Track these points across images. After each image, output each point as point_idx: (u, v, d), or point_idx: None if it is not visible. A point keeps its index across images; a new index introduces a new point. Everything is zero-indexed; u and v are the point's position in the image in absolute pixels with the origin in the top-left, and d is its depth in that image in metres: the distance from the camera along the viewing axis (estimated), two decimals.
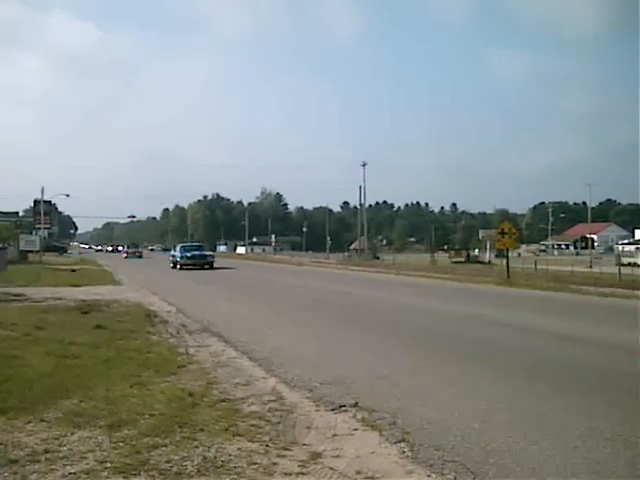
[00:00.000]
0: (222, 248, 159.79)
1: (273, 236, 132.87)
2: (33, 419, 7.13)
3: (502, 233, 35.61)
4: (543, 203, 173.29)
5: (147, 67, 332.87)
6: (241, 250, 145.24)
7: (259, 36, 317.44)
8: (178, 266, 51.06)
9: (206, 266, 51.44)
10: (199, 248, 57.88)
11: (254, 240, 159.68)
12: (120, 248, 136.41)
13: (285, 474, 5.70)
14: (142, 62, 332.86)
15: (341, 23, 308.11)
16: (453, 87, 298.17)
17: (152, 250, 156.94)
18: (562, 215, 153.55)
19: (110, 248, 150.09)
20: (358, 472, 5.82)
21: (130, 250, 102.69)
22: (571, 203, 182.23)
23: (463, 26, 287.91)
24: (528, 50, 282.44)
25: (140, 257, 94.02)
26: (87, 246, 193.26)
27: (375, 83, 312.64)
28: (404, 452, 6.44)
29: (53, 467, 5.73)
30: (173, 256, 55.08)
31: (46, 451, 6.13)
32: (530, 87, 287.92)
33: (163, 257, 79.41)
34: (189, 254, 52.51)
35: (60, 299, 21.86)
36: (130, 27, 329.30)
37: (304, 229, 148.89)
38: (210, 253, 58.68)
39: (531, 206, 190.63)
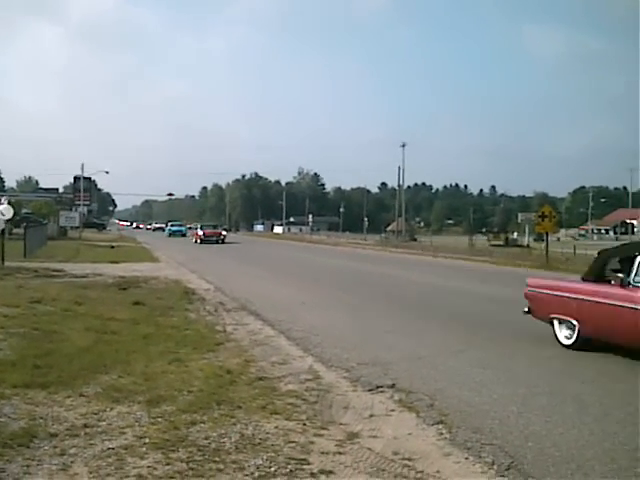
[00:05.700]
0: (259, 227, 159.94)
1: (310, 216, 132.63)
2: (73, 394, 7.21)
3: (542, 216, 35.26)
4: (583, 187, 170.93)
5: (173, 41, 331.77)
6: (278, 230, 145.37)
7: (288, 9, 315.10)
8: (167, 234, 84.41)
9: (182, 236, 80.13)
10: (179, 225, 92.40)
11: (291, 220, 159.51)
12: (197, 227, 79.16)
13: (322, 453, 5.69)
14: (167, 36, 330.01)
15: None
16: (491, 67, 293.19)
17: (190, 228, 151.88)
18: (602, 200, 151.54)
19: (197, 228, 75.13)
20: (395, 453, 5.80)
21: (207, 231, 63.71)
22: (612, 188, 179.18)
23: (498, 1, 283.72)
24: (565, 28, 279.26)
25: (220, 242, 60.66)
26: (127, 223, 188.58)
27: (412, 63, 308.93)
28: (442, 434, 6.41)
29: (92, 442, 5.78)
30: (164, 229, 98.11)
31: (85, 426, 6.19)
32: (569, 67, 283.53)
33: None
34: (173, 229, 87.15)
35: (99, 275, 22.12)
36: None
37: (341, 209, 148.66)
38: (184, 228, 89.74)
39: (571, 190, 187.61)
